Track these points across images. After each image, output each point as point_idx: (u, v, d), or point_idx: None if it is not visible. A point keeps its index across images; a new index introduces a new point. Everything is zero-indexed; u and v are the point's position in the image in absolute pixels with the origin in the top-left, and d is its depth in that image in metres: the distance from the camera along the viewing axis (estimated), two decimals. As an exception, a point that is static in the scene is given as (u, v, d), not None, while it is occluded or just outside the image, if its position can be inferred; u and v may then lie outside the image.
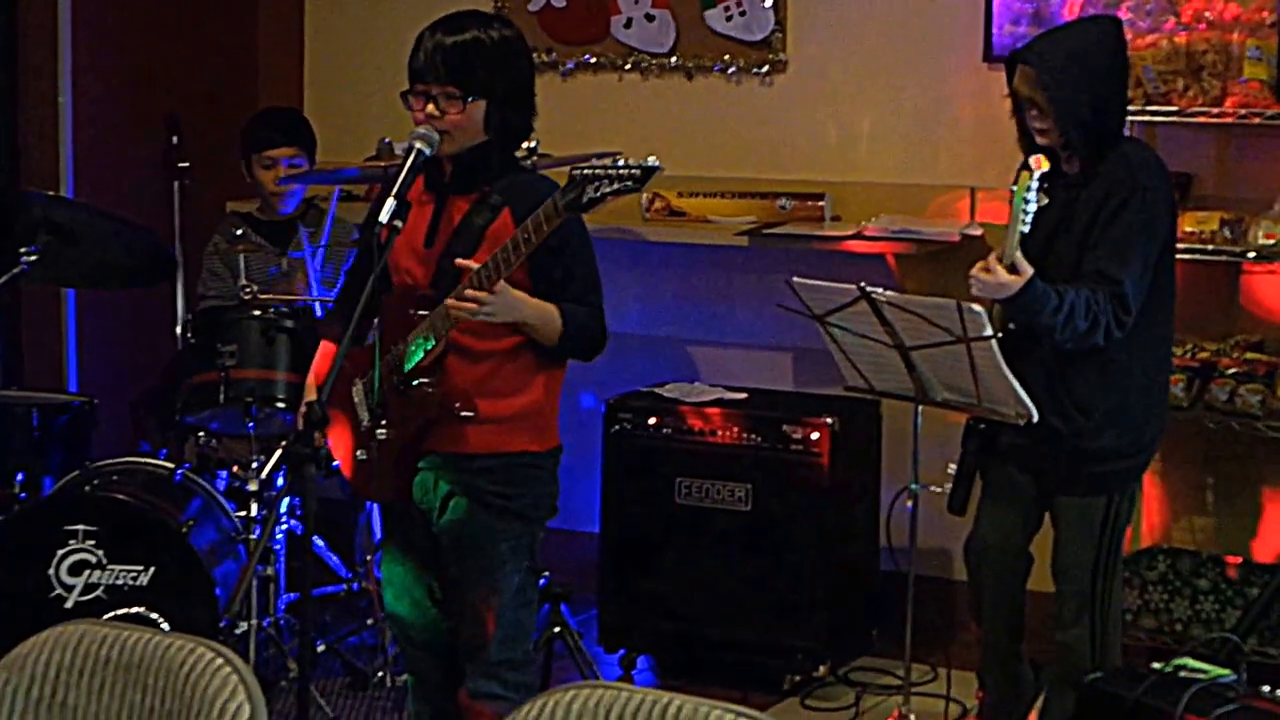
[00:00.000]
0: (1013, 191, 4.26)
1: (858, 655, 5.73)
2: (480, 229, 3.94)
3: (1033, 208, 4.21)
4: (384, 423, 4.02)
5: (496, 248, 3.81)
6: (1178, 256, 4.84)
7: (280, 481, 5.28)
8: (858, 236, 5.73)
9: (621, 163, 3.66)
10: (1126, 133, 5.12)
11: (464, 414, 3.94)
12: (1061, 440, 4.42)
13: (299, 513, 5.48)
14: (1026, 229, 4.22)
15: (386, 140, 5.39)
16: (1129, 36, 5.24)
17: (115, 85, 6.41)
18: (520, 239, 3.75)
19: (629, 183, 3.65)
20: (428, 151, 3.89)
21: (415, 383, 3.94)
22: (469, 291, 3.82)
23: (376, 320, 4.09)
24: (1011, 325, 4.37)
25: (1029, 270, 4.20)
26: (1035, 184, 4.22)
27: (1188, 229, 5.25)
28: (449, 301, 3.85)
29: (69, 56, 6.22)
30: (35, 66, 6.18)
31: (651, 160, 3.67)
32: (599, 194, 3.65)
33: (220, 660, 2.66)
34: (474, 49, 3.91)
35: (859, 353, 4.54)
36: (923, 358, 4.39)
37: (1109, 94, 4.41)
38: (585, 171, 3.67)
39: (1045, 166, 4.24)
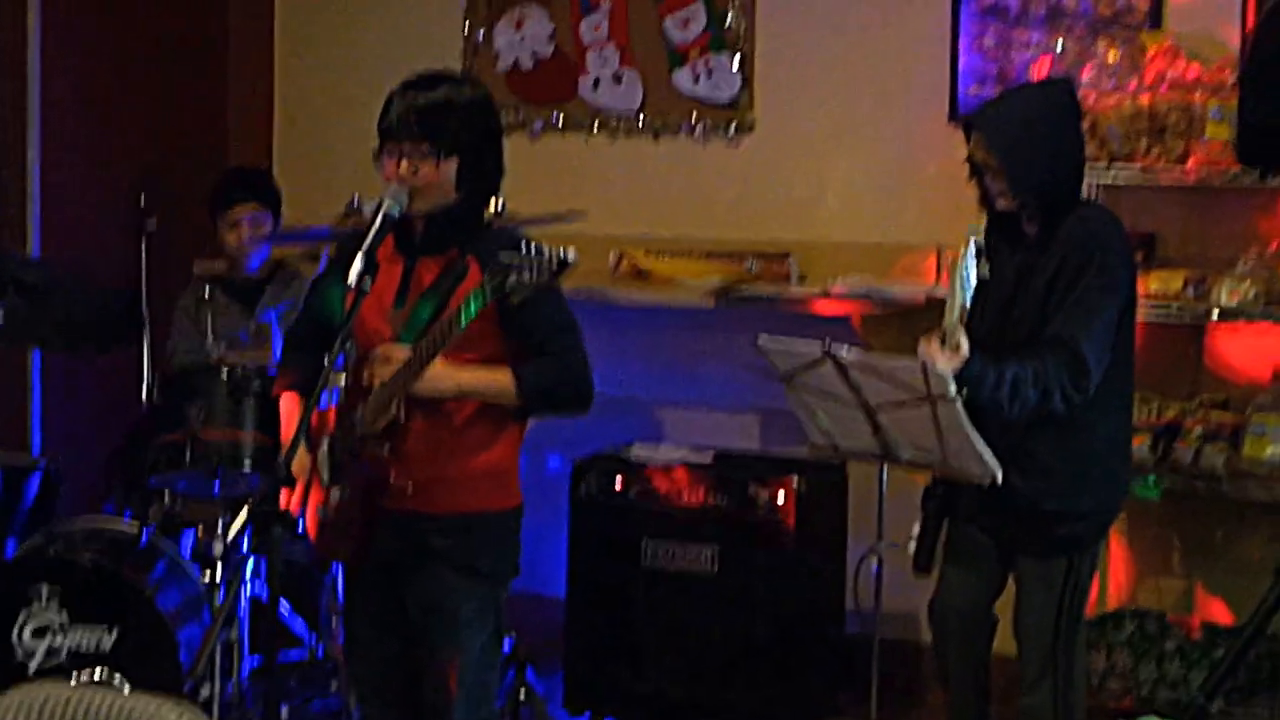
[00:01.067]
0: (951, 266, 4.27)
1: (824, 718, 5.70)
2: (449, 289, 3.94)
3: (972, 278, 4.23)
4: (343, 484, 4.04)
5: None
6: (1144, 316, 4.86)
7: (245, 544, 5.25)
8: (824, 296, 5.75)
9: (543, 253, 3.67)
10: (1091, 193, 5.18)
11: (401, 485, 3.95)
12: (1022, 501, 4.41)
13: (264, 576, 5.45)
14: (968, 301, 4.24)
15: (356, 199, 5.39)
16: (1093, 97, 5.31)
17: (84, 145, 6.41)
18: (452, 319, 3.78)
19: (543, 276, 3.67)
20: (396, 211, 3.90)
21: (368, 447, 3.95)
22: (387, 347, 3.91)
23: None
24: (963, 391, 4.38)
25: (965, 352, 4.21)
26: (972, 253, 4.23)
27: (1152, 288, 5.28)
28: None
29: (38, 114, 6.22)
30: (3, 123, 6.18)
31: (570, 254, 3.68)
32: (518, 281, 3.67)
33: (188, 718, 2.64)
34: (446, 107, 3.94)
35: (824, 413, 4.53)
36: (888, 418, 4.38)
37: (1062, 156, 4.41)
38: (508, 261, 3.68)
39: (980, 236, 4.25)
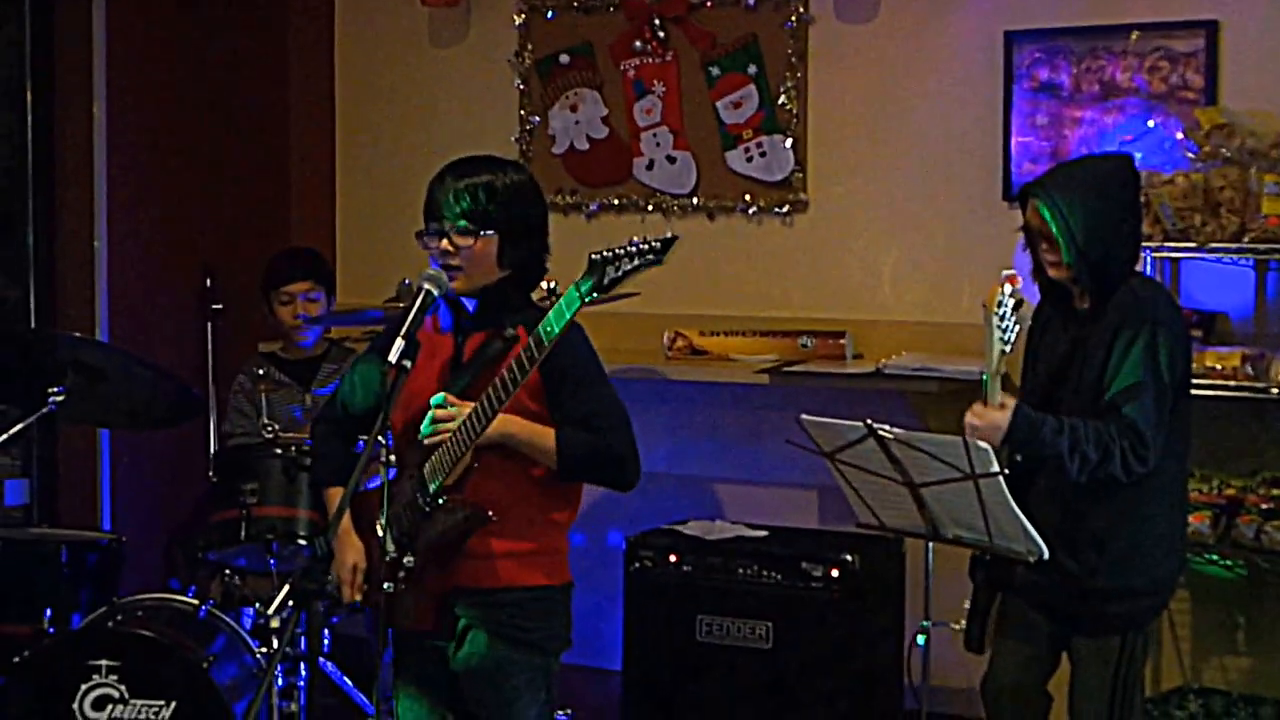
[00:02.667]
0: (984, 308, 4.23)
1: (880, 794, 5.70)
2: (494, 356, 3.98)
3: (1010, 324, 4.20)
4: (410, 552, 4.05)
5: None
6: (1202, 393, 4.83)
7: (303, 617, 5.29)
8: (877, 375, 5.74)
9: (640, 239, 3.69)
10: (1149, 269, 5.17)
11: (493, 517, 3.95)
12: (1074, 579, 4.38)
13: (325, 649, 5.51)
14: (1008, 347, 4.21)
15: (406, 281, 5.46)
16: (1145, 174, 5.26)
17: (150, 231, 6.52)
18: (543, 332, 3.76)
19: (649, 256, 3.67)
20: (436, 293, 3.94)
21: (441, 500, 3.98)
22: (445, 399, 3.93)
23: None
24: (1018, 458, 4.38)
25: (1010, 403, 4.21)
26: (1008, 298, 4.20)
27: (1209, 365, 5.24)
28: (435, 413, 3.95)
29: (105, 202, 6.34)
30: (71, 210, 6.30)
31: (669, 232, 3.69)
32: (620, 273, 3.68)
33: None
34: (486, 190, 3.99)
35: (869, 490, 4.54)
36: (932, 495, 4.38)
37: (1119, 229, 4.38)
38: (604, 254, 3.70)
39: (1017, 284, 4.24)
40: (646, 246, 3.67)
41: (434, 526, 4.01)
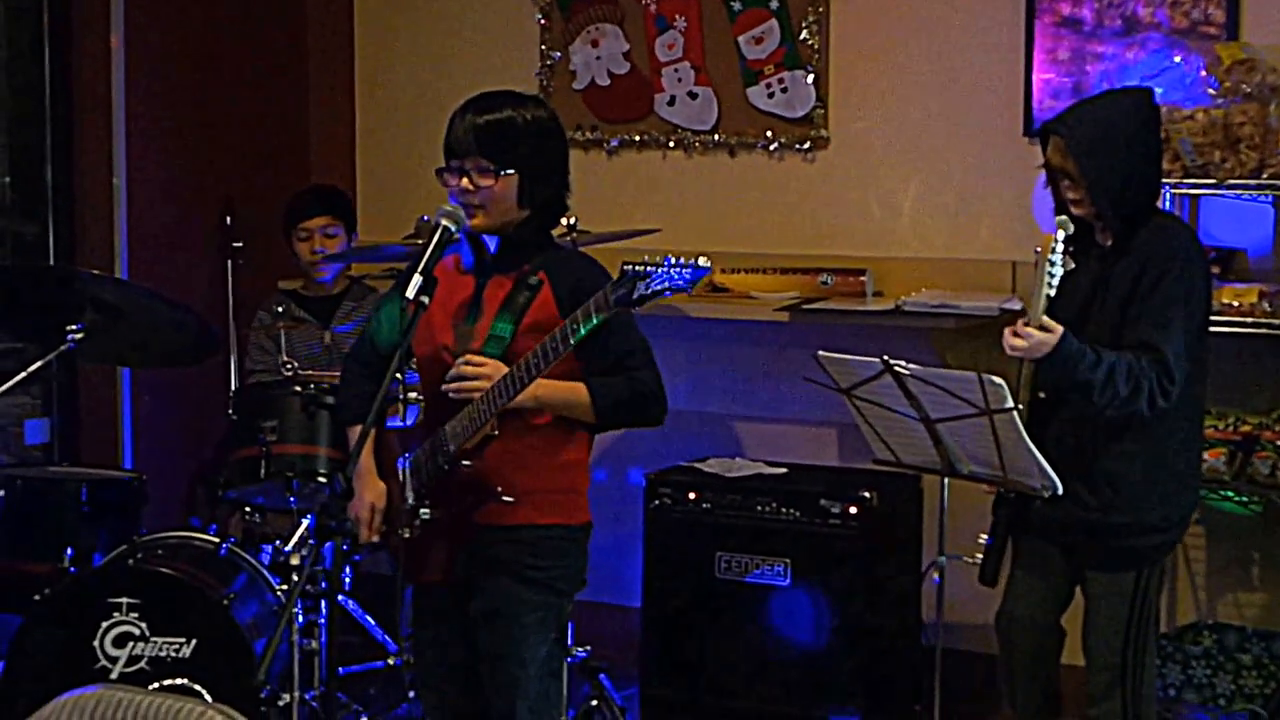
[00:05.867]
0: (1037, 253, 4.23)
1: (900, 729, 5.72)
2: (522, 307, 3.99)
3: (1059, 270, 4.18)
4: (428, 503, 4.07)
5: (538, 322, 3.89)
6: (1220, 329, 4.82)
7: (324, 553, 5.31)
8: (897, 312, 5.73)
9: (673, 261, 3.69)
10: (1167, 206, 5.15)
11: (505, 498, 3.99)
12: (1088, 514, 4.40)
13: (346, 586, 5.54)
14: (1053, 291, 4.21)
15: (425, 218, 5.45)
16: (1165, 109, 5.23)
17: (169, 168, 6.51)
18: (569, 329, 3.80)
19: (679, 284, 3.69)
20: (454, 229, 3.93)
21: (460, 464, 3.99)
22: (469, 357, 3.94)
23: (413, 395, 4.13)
24: (1041, 394, 4.38)
25: (1059, 328, 4.21)
26: (1060, 245, 4.19)
27: (1227, 301, 5.23)
28: (446, 386, 3.96)
29: (123, 139, 6.32)
30: (90, 147, 6.29)
31: (703, 262, 3.70)
32: (649, 290, 3.69)
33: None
34: (507, 126, 3.98)
35: (886, 426, 4.55)
36: (948, 430, 4.39)
37: (1140, 165, 4.40)
38: (637, 267, 3.70)
39: (1069, 229, 4.23)
40: (678, 274, 3.68)
41: (451, 489, 4.03)
